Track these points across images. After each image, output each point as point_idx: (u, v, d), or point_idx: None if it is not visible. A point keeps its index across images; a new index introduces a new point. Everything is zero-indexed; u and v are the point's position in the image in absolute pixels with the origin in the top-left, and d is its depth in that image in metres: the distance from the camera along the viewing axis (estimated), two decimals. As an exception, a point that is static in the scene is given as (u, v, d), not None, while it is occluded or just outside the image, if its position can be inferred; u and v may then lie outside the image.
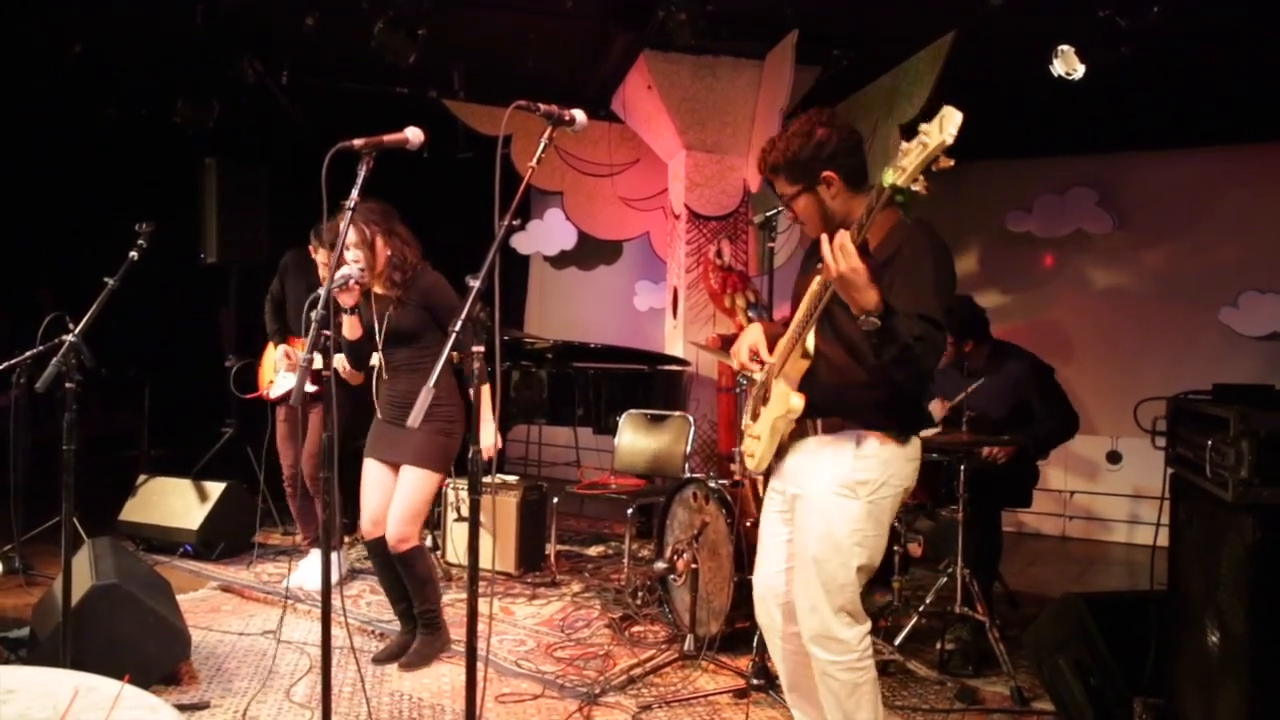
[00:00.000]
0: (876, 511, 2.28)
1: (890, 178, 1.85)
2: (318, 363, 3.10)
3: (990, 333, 4.19)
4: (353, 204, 2.35)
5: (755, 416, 2.51)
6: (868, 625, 2.36)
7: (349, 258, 3.24)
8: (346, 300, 3.25)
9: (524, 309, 8.69)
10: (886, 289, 2.06)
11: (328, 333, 2.27)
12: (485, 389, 3.08)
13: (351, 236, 3.24)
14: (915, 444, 2.35)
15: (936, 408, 3.96)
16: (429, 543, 4.69)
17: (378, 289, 3.41)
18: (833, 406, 2.31)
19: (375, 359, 3.54)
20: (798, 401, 2.29)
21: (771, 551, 2.50)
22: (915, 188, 1.83)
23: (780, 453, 2.44)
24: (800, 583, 2.35)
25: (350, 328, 3.34)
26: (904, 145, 1.84)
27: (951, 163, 1.79)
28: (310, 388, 3.96)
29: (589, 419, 5.42)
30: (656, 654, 3.62)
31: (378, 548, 3.48)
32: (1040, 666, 3.09)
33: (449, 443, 3.42)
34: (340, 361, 3.54)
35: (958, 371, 4.10)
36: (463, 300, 2.10)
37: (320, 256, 4.23)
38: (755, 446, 2.47)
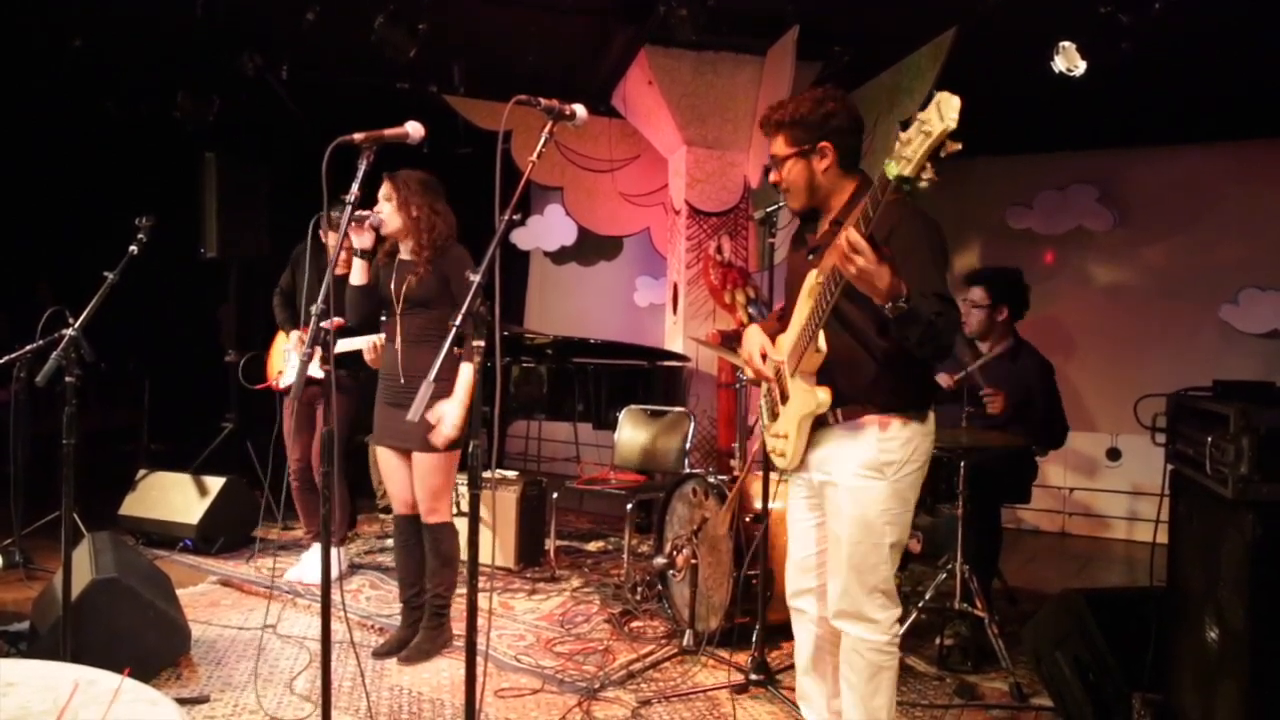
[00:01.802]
0: (903, 489, 2.34)
1: (894, 169, 1.81)
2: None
3: (1024, 312, 4.23)
4: (353, 197, 2.36)
5: (774, 416, 2.51)
6: (899, 610, 2.39)
7: (378, 206, 3.34)
8: (359, 240, 3.31)
9: (524, 304, 8.68)
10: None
11: (327, 325, 2.26)
12: (468, 368, 3.17)
13: (385, 190, 3.36)
14: (931, 418, 2.41)
15: (943, 379, 3.93)
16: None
17: (404, 254, 3.43)
18: (849, 394, 2.33)
19: (376, 338, 3.54)
20: (825, 396, 2.31)
21: (801, 537, 2.55)
22: (924, 176, 1.79)
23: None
24: (834, 565, 2.39)
25: (358, 272, 3.38)
26: (903, 135, 1.79)
27: (959, 146, 1.75)
28: (318, 374, 3.95)
29: (589, 414, 5.42)
30: (656, 649, 3.63)
31: (404, 524, 3.54)
32: (1039, 662, 3.09)
33: None
34: (354, 344, 3.55)
35: (966, 344, 4.11)
36: (463, 296, 2.10)
37: (331, 240, 4.24)
38: (784, 445, 2.46)
